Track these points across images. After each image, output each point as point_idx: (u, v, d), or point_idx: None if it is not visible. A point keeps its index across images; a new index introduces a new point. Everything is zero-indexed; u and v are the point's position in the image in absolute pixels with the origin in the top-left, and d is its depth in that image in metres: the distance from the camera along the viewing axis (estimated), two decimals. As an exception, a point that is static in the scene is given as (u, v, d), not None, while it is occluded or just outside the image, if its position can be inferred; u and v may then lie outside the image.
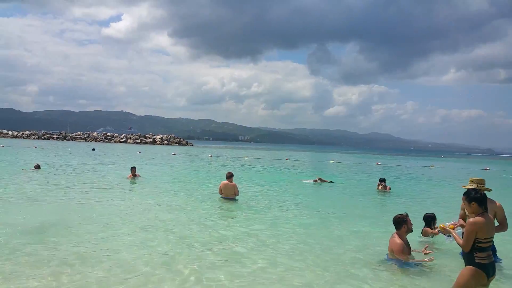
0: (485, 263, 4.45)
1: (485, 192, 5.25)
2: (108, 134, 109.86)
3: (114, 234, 7.77)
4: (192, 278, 5.55)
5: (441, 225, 5.67)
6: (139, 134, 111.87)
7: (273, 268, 6.11)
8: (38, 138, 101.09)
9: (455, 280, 4.74)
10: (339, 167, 36.53)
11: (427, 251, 6.60)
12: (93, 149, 49.46)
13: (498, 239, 6.11)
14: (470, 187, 5.84)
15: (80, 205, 10.89)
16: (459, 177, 29.34)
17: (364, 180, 23.31)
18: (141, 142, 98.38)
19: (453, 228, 5.40)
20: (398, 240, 6.46)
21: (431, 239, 8.09)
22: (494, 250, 5.97)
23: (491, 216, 4.98)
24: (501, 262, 6.62)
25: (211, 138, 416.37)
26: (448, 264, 6.62)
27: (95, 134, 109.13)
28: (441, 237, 7.05)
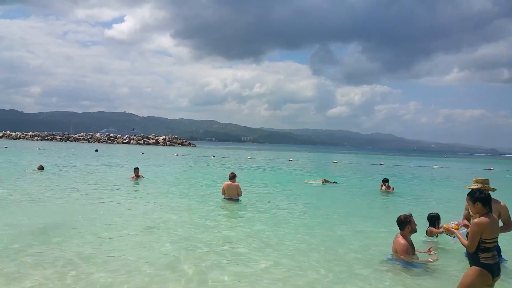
0: (490, 264, 4.43)
1: (490, 192, 5.23)
2: (111, 135, 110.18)
3: (118, 235, 7.79)
4: (196, 278, 5.55)
5: (444, 226, 5.63)
6: (142, 135, 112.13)
7: (276, 269, 6.11)
8: (41, 139, 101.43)
9: (459, 281, 4.71)
10: (342, 168, 36.48)
11: (432, 252, 6.58)
12: (96, 150, 49.58)
13: (503, 239, 6.08)
14: (475, 187, 5.81)
15: (84, 206, 10.92)
16: (463, 177, 29.23)
17: (367, 180, 23.27)
18: (144, 143, 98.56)
19: (457, 229, 5.36)
20: (402, 240, 6.44)
21: (436, 239, 8.06)
22: (498, 250, 5.94)
23: (495, 216, 4.95)
24: (505, 263, 6.59)
25: (213, 139, 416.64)
26: (453, 265, 6.59)
27: (98, 135, 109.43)
28: (446, 237, 7.03)
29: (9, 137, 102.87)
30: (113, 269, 5.77)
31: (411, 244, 6.51)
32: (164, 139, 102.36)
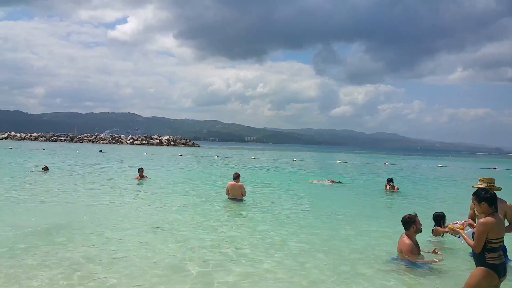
0: (496, 264, 4.40)
1: (495, 191, 5.19)
2: (115, 135, 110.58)
3: (123, 235, 7.81)
4: (201, 279, 5.56)
5: (449, 226, 5.60)
6: (145, 135, 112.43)
7: (280, 269, 6.10)
8: (45, 140, 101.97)
9: (465, 281, 4.69)
10: (346, 167, 36.40)
11: (437, 252, 6.55)
12: (101, 151, 49.74)
13: (509, 239, 6.04)
14: (480, 186, 5.78)
15: (88, 206, 10.96)
16: (468, 176, 29.09)
17: (371, 180, 23.21)
18: (147, 143, 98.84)
19: (462, 229, 5.34)
20: (407, 240, 6.42)
21: (442, 238, 8.03)
22: (504, 250, 5.90)
23: (501, 216, 4.93)
24: (511, 263, 6.54)
25: (217, 139, 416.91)
26: (458, 265, 6.56)
27: (102, 135, 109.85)
28: (451, 236, 6.98)
29: (14, 138, 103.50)
30: (119, 269, 5.78)
31: (416, 244, 6.49)
32: (167, 140, 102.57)
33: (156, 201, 12.28)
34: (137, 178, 17.52)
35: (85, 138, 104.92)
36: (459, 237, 5.48)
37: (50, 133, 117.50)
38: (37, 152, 44.01)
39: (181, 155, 49.31)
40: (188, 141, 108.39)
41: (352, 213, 11.44)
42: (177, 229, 8.49)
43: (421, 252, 6.54)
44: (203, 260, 6.35)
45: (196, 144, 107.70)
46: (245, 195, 12.28)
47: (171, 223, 9.06)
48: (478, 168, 41.92)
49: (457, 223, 5.64)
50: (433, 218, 8.38)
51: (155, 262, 6.16)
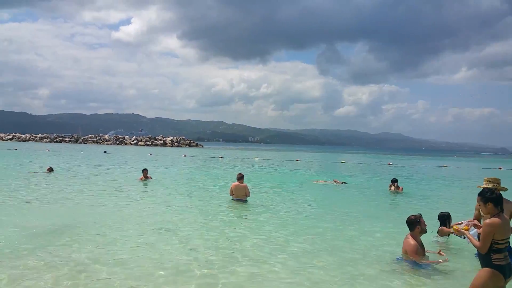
0: (502, 265, 4.38)
1: (501, 192, 5.16)
2: (119, 136, 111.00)
3: (127, 236, 7.83)
4: (205, 280, 5.56)
5: (454, 227, 5.56)
6: (149, 136, 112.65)
7: (284, 269, 6.10)
8: (50, 141, 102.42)
9: (471, 282, 4.66)
10: (350, 168, 36.33)
11: (442, 253, 6.52)
12: (105, 152, 49.94)
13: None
14: (486, 186, 5.75)
15: (93, 207, 11.00)
16: (473, 177, 28.93)
17: (376, 180, 23.14)
18: (151, 144, 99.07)
19: (467, 229, 5.31)
20: (412, 241, 6.39)
21: (447, 238, 7.99)
22: (510, 251, 5.86)
23: (507, 216, 4.89)
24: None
25: (221, 140, 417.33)
26: (464, 265, 6.53)
27: (106, 136, 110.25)
28: (456, 237, 6.95)
29: (19, 139, 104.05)
30: (123, 270, 5.80)
31: (421, 245, 6.46)
32: (171, 140, 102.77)
33: (160, 201, 12.31)
34: (141, 179, 17.58)
35: (90, 139, 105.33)
36: (464, 237, 5.45)
37: (55, 134, 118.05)
38: (42, 153, 44.25)
39: (185, 155, 49.40)
40: (192, 141, 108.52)
41: (356, 213, 11.41)
42: (181, 230, 8.50)
43: (426, 253, 6.51)
44: (208, 261, 6.36)
45: (200, 145, 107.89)
46: (249, 196, 12.28)
47: (175, 224, 9.08)
48: (483, 168, 41.70)
49: (461, 223, 5.61)
50: (438, 218, 8.34)
51: (160, 263, 6.18)
